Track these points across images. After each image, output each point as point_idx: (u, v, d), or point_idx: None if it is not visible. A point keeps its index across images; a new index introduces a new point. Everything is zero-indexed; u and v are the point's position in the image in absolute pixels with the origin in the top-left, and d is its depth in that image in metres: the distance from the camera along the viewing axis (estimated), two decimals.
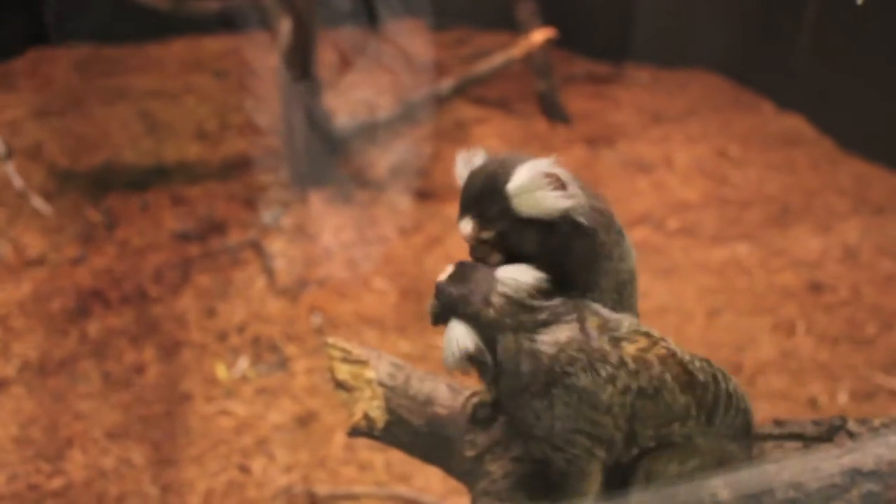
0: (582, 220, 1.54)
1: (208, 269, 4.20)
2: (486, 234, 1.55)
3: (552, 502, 1.59)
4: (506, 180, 1.53)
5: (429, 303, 1.60)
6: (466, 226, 1.56)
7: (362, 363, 1.71)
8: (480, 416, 1.70)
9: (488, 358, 1.53)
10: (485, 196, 1.54)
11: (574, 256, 1.58)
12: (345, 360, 1.70)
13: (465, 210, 1.56)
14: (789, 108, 5.62)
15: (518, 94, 5.66)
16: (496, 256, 1.56)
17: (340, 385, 1.68)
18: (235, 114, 5.32)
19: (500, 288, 1.53)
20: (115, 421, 3.45)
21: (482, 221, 1.54)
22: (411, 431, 1.67)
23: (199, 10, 5.07)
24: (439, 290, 1.58)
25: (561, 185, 1.52)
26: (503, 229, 1.54)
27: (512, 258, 1.57)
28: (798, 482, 1.56)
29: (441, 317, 1.58)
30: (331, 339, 1.72)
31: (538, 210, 1.52)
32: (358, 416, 1.65)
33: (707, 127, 5.48)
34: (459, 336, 1.53)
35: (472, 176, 1.57)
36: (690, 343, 3.84)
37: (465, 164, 1.61)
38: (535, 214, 1.53)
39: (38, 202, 4.21)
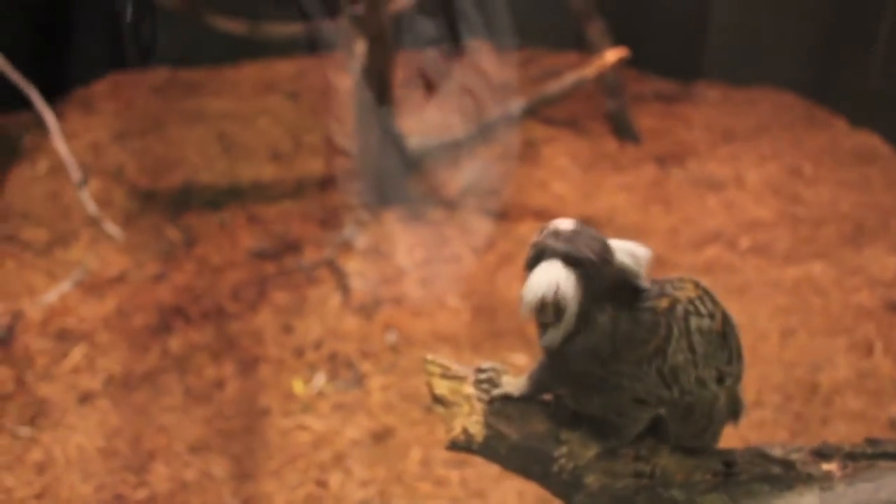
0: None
1: (284, 287, 4.23)
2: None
3: (594, 434, 1.68)
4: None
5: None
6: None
7: (461, 379, 1.73)
8: (566, 420, 1.70)
9: (576, 308, 1.56)
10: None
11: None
12: (444, 377, 1.72)
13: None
14: (863, 125, 5.55)
15: (587, 114, 5.66)
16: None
17: (438, 400, 1.70)
18: (309, 134, 5.37)
19: (620, 255, 1.62)
20: (197, 434, 3.50)
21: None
22: (509, 445, 1.67)
23: (274, 33, 5.14)
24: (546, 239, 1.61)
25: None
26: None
27: None
28: (893, 501, 1.56)
29: (538, 258, 1.60)
30: (430, 356, 1.75)
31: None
32: (457, 430, 1.67)
33: (778, 145, 5.42)
34: (558, 274, 1.56)
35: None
36: (765, 362, 3.82)
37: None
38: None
39: (111, 229, 4.27)
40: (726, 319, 1.68)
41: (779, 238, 4.62)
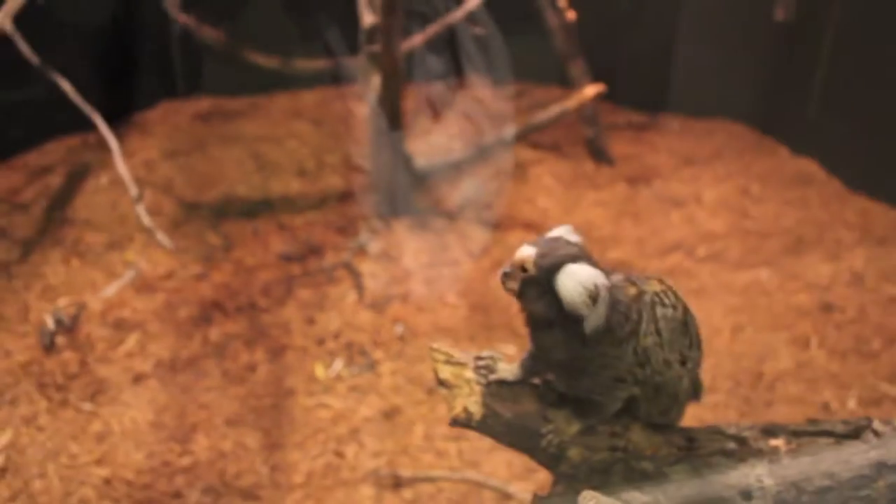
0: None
1: (308, 286, 4.23)
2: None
3: (577, 412, 1.67)
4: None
5: (506, 272, 1.60)
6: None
7: (462, 365, 1.72)
8: (552, 401, 1.70)
9: (607, 296, 1.55)
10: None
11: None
12: (447, 363, 1.72)
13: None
14: (803, 152, 5.56)
15: (568, 140, 5.67)
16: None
17: (443, 383, 1.70)
18: (331, 155, 5.37)
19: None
20: (233, 411, 3.52)
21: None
22: (503, 423, 1.67)
23: (302, 68, 5.14)
24: (540, 252, 1.59)
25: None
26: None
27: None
28: (831, 472, 1.57)
29: (547, 270, 1.57)
30: (435, 345, 1.74)
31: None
32: (458, 409, 1.66)
33: (731, 168, 5.44)
34: (588, 273, 1.55)
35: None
36: (718, 354, 3.82)
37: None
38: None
39: (162, 237, 4.27)
40: (687, 311, 1.69)
41: (731, 248, 4.63)
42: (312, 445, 3.38)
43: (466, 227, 4.63)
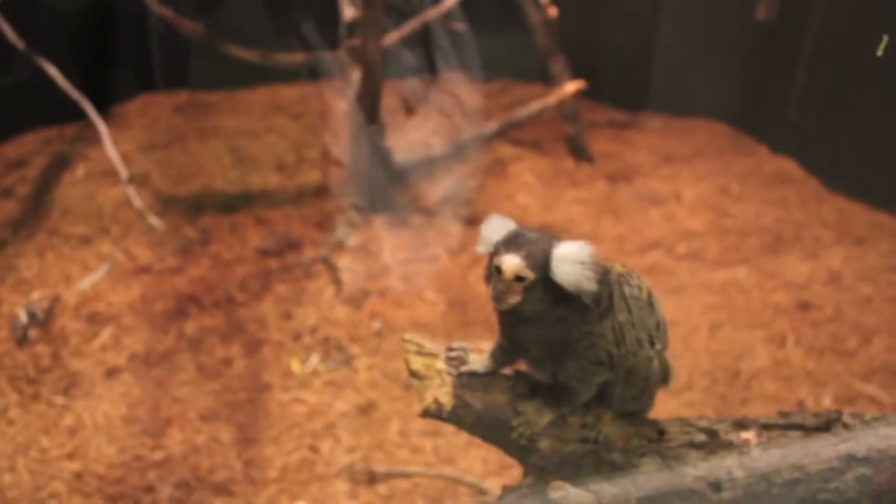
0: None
1: (285, 280, 4.22)
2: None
3: (549, 402, 1.64)
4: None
5: (500, 291, 1.54)
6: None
7: (433, 356, 1.71)
8: (522, 392, 1.68)
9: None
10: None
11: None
12: (419, 353, 1.71)
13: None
14: (782, 151, 5.59)
15: (549, 137, 5.67)
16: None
17: (414, 374, 1.68)
18: (309, 149, 5.37)
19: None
20: (207, 405, 3.50)
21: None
22: (474, 414, 1.66)
23: (282, 61, 5.12)
24: (524, 255, 1.52)
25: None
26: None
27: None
28: (801, 465, 1.57)
29: (543, 268, 1.51)
30: (407, 336, 1.72)
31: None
32: (429, 400, 1.66)
33: (711, 167, 5.46)
34: (574, 248, 1.51)
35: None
36: (695, 352, 3.83)
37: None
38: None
39: (154, 220, 4.28)
40: (650, 293, 1.68)
41: (710, 246, 4.64)
42: (287, 440, 3.36)
43: (445, 223, 4.62)
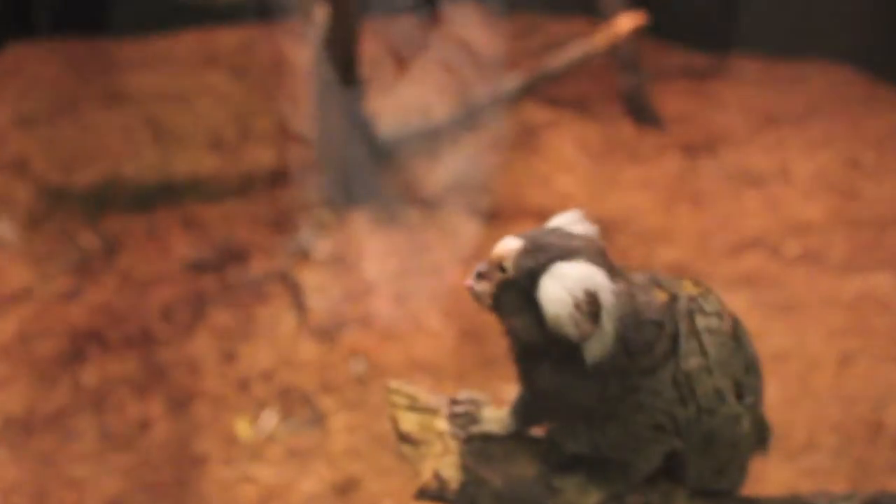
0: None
1: (227, 305, 4.23)
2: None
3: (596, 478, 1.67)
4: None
5: (479, 273, 1.60)
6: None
7: (432, 412, 1.72)
8: (560, 462, 1.68)
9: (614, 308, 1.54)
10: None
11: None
12: (411, 409, 1.72)
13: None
14: None
15: (599, 94, 5.68)
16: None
17: (405, 438, 1.69)
18: (258, 119, 5.38)
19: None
20: (116, 489, 3.48)
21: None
22: (491, 494, 1.65)
23: None
24: (526, 246, 1.58)
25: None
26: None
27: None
28: None
29: (529, 271, 1.56)
30: (394, 384, 1.73)
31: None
32: (427, 475, 1.65)
33: (833, 130, 5.45)
34: (581, 272, 1.54)
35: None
36: (819, 397, 3.81)
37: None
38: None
39: (3, 226, 4.27)
40: (737, 322, 1.68)
41: (834, 244, 4.64)
42: None
43: (452, 221, 4.62)
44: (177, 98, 5.54)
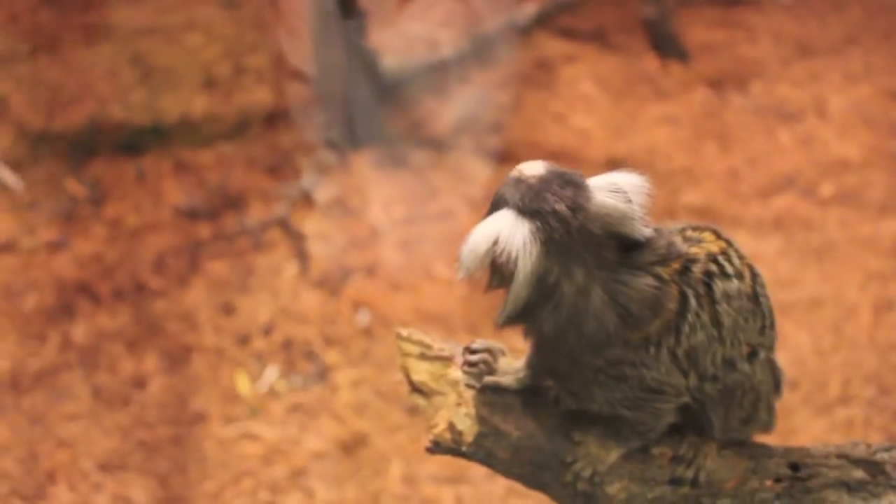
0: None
1: (223, 255, 4.25)
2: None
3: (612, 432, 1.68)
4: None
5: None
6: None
7: (445, 361, 1.72)
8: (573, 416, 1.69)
9: (531, 272, 1.53)
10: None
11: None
12: (423, 357, 1.71)
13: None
14: None
15: (619, 23, 5.65)
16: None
17: (417, 388, 1.69)
18: (253, 55, 5.36)
19: (601, 196, 1.57)
20: (110, 448, 3.51)
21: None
22: (508, 446, 1.67)
23: None
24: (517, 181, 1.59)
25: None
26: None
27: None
28: None
29: (493, 210, 1.59)
30: (404, 331, 1.73)
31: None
32: (441, 426, 1.66)
33: (872, 62, 5.42)
34: (504, 226, 1.55)
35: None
36: (853, 346, 3.83)
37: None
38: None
39: (6, 175, 4.26)
40: (755, 277, 1.68)
41: (872, 184, 4.64)
42: (233, 497, 3.39)
43: (462, 162, 4.62)
44: (165, 33, 5.50)
